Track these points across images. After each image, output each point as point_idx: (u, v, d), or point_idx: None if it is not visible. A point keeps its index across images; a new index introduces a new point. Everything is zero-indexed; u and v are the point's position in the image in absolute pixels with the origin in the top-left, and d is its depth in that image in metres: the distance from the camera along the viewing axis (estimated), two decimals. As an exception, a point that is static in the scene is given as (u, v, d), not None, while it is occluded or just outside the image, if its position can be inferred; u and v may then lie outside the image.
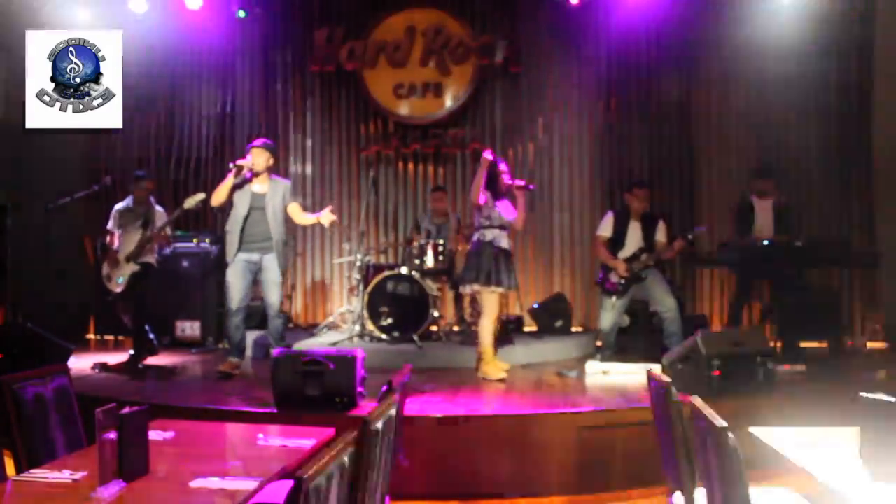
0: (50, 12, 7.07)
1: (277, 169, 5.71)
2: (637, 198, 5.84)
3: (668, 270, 7.31)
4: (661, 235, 5.82)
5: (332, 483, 1.84)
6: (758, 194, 6.44)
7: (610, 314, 5.81)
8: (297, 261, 8.13)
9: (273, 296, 5.48)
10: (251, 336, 6.29)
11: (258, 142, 5.59)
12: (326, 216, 5.51)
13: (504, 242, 5.33)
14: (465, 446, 4.13)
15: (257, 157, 5.43)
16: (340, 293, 8.09)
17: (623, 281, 5.71)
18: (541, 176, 7.83)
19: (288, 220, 5.59)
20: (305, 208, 5.95)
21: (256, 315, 7.25)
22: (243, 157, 5.54)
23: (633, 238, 5.80)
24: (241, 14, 7.89)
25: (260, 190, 5.47)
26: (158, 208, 6.05)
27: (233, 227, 5.46)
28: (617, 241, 5.83)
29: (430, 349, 6.14)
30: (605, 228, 5.91)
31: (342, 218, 8.09)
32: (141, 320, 5.95)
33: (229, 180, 5.40)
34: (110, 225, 6.06)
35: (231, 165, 5.44)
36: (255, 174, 5.44)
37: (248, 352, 6.21)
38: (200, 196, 5.80)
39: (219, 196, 5.45)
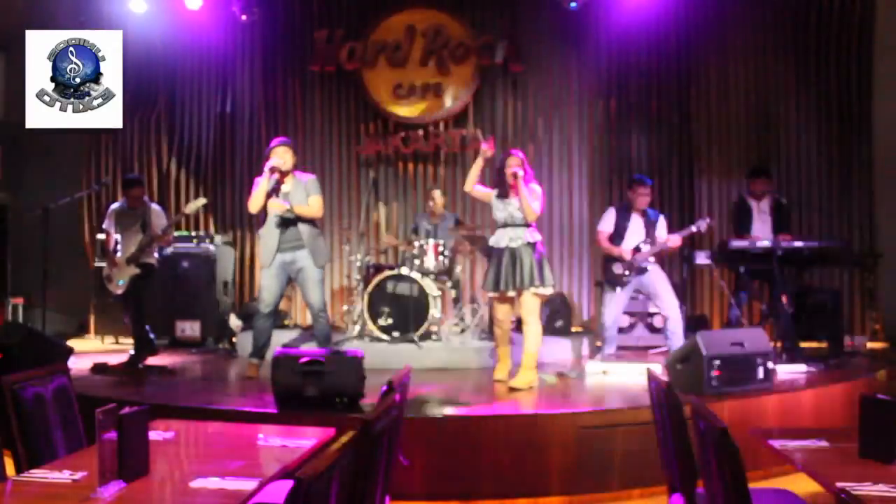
0: (50, 12, 7.07)
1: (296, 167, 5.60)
2: (639, 195, 5.77)
3: (666, 270, 7.31)
4: (661, 231, 5.77)
5: (332, 483, 1.84)
6: (753, 195, 6.43)
7: (611, 308, 5.77)
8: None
9: (313, 295, 5.37)
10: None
11: (280, 140, 5.50)
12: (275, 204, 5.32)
13: (514, 242, 5.01)
14: (465, 446, 4.12)
15: (284, 156, 5.32)
16: (341, 293, 8.10)
17: (626, 272, 5.65)
18: (541, 176, 7.79)
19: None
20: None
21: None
22: (266, 158, 5.39)
23: (635, 232, 5.73)
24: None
25: (287, 189, 5.38)
26: (155, 207, 6.04)
27: (268, 230, 5.37)
28: (617, 235, 5.76)
29: (430, 349, 6.14)
30: (607, 224, 5.84)
31: (342, 218, 8.09)
32: (141, 321, 5.95)
33: (263, 184, 5.26)
34: (106, 224, 6.06)
35: (266, 170, 5.27)
36: (283, 174, 5.34)
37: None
38: (202, 201, 5.79)
39: (257, 202, 5.30)
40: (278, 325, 7.59)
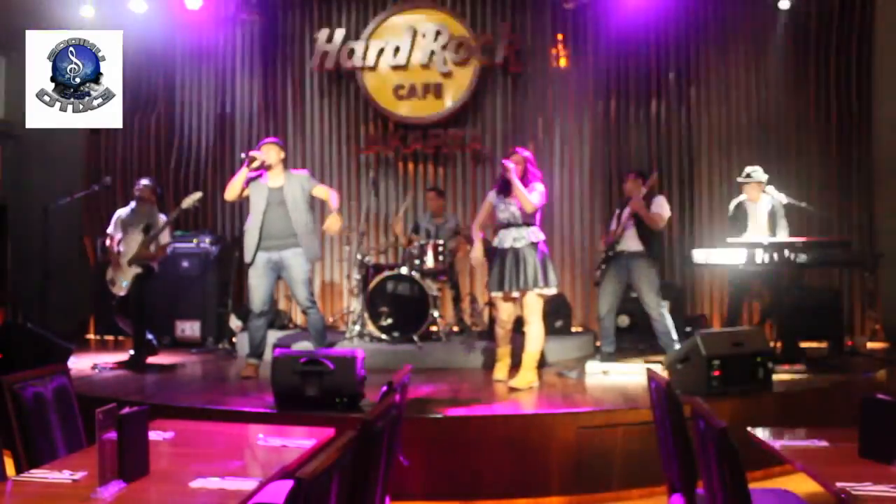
0: (50, 12, 7.07)
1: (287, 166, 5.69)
2: (626, 187, 5.89)
3: (666, 270, 7.31)
4: (655, 207, 5.68)
5: (332, 483, 1.84)
6: (748, 196, 6.39)
7: (603, 299, 5.81)
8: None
9: (299, 292, 5.43)
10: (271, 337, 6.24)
11: (268, 139, 5.59)
12: (333, 220, 5.39)
13: (518, 242, 5.02)
14: (465, 446, 4.12)
15: (268, 152, 5.38)
16: (341, 293, 8.09)
17: (602, 266, 5.78)
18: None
19: (313, 209, 5.62)
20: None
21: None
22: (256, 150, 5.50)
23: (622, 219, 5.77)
24: None
25: (276, 184, 5.40)
26: (163, 217, 6.00)
27: (251, 225, 5.41)
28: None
29: (430, 349, 6.14)
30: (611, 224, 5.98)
31: (342, 218, 8.07)
32: (142, 321, 5.94)
33: (243, 172, 5.33)
34: (111, 230, 6.05)
35: (243, 156, 5.36)
36: (268, 168, 5.38)
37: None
38: (198, 195, 5.80)
39: (233, 189, 5.38)
40: (278, 325, 7.64)
